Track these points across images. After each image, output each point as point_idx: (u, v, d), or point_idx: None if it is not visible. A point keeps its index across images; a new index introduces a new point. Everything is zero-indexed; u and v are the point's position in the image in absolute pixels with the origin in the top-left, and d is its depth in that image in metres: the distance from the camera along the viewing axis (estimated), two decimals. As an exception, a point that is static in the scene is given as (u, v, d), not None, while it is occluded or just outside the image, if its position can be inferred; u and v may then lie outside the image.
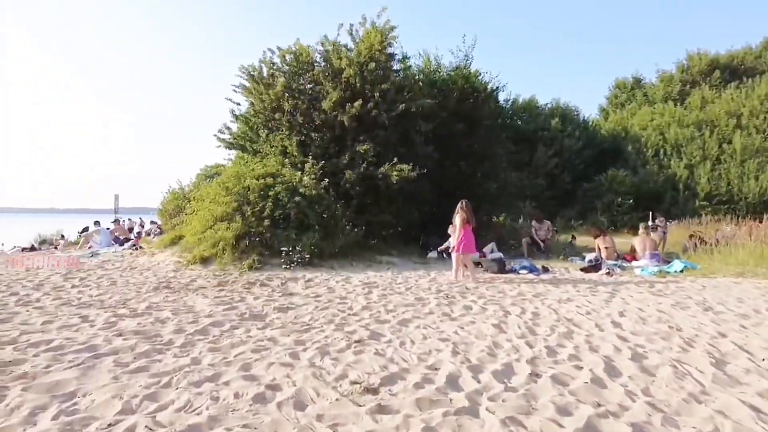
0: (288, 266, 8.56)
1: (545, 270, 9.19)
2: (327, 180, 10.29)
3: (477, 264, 9.79)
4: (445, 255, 10.33)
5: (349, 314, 5.12)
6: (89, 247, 12.27)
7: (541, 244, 12.06)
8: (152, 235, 12.87)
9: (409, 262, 10.43)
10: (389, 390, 2.95)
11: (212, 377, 3.13)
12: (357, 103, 10.94)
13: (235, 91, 12.41)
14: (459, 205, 8.19)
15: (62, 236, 19.44)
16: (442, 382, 3.09)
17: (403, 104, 11.25)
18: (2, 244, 26.78)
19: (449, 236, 9.03)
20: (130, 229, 16.26)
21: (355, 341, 4.05)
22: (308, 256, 8.82)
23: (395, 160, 10.82)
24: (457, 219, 8.08)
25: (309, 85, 12.05)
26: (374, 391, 2.92)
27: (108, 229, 15.65)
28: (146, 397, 2.78)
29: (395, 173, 10.68)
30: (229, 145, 12.83)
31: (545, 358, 3.65)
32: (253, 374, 3.21)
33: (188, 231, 9.95)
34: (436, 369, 3.35)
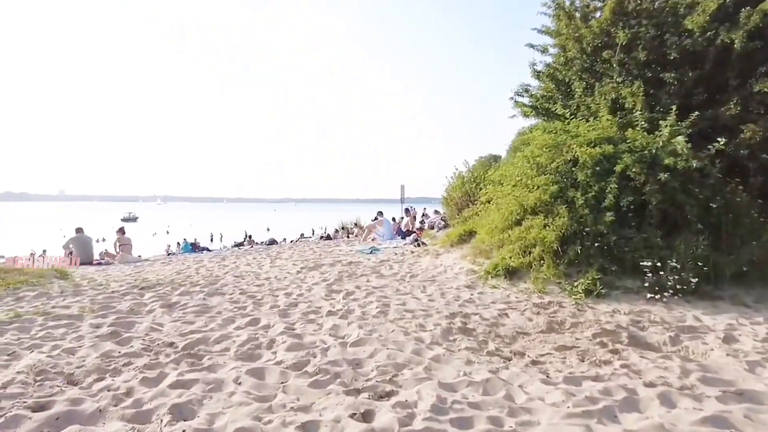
0: (656, 295, 4.82)
1: None
2: (714, 147, 5.89)
3: None
4: None
5: None
6: (372, 239, 11.06)
7: None
8: (436, 229, 10.88)
9: None
10: None
11: None
12: (763, 5, 6.17)
13: (532, 45, 9.16)
14: None
15: (355, 224, 20.14)
16: None
17: None
18: (323, 228, 30.64)
19: None
20: (414, 217, 14.99)
21: None
22: (695, 279, 4.87)
23: None
24: None
25: (652, 5, 7.79)
26: None
27: (393, 220, 14.74)
28: None
29: None
30: (529, 111, 9.63)
31: None
32: None
33: (483, 226, 7.23)
34: None
